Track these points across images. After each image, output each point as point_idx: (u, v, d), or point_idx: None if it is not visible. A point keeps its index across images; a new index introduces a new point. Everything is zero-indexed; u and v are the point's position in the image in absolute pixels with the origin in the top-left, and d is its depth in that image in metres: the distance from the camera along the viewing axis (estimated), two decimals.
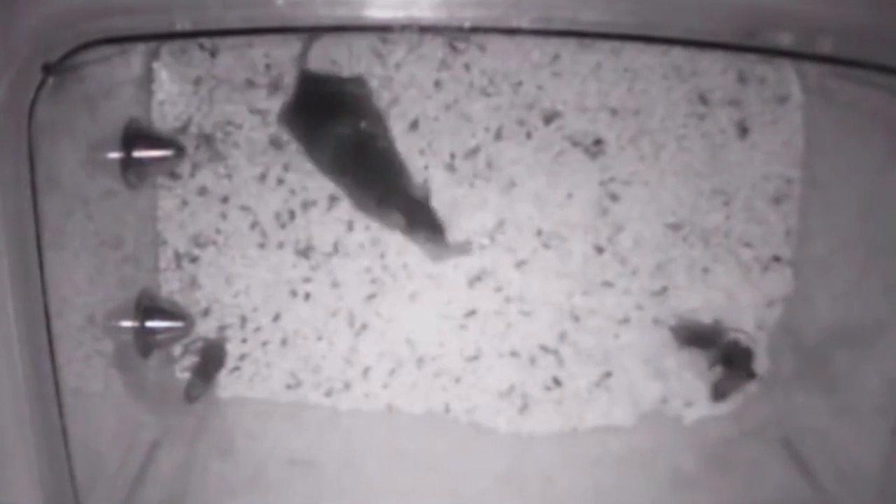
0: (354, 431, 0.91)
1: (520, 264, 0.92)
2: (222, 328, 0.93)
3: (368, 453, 0.88)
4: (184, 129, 0.90)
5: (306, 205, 0.92)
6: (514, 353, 0.93)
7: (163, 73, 0.89)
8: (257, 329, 0.93)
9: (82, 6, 0.62)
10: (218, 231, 0.92)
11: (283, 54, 0.89)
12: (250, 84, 0.90)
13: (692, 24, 0.69)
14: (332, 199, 0.91)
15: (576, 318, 0.92)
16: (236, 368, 0.93)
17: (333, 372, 0.93)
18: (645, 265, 0.92)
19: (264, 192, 0.91)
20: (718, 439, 0.90)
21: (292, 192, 0.91)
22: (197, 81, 0.90)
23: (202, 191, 0.91)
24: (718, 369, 0.90)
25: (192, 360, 0.92)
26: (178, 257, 0.92)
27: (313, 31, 0.86)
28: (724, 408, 0.91)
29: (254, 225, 0.92)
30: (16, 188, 0.61)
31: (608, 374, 0.92)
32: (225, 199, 0.92)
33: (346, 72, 0.89)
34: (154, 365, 0.89)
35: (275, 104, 0.90)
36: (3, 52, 0.60)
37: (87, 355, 0.74)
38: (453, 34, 0.88)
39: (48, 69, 0.62)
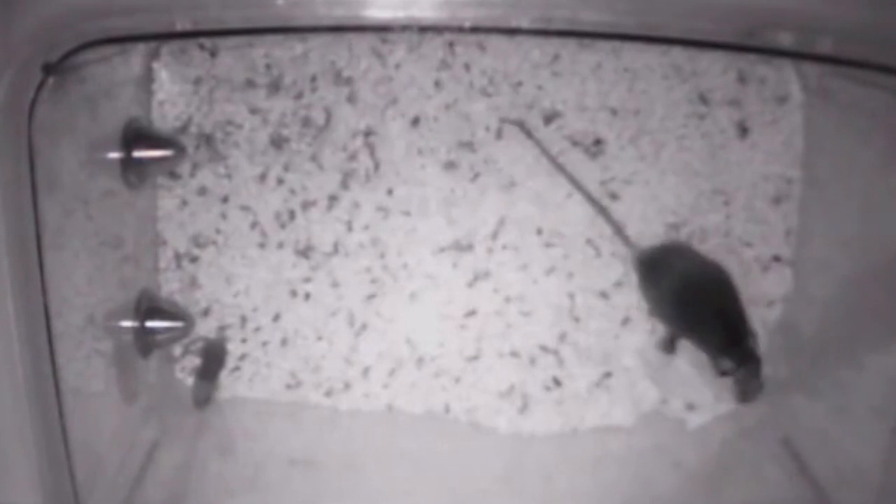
0: (354, 431, 0.91)
1: (520, 264, 0.92)
2: (222, 328, 0.93)
3: (368, 453, 0.88)
4: (184, 129, 0.90)
5: (306, 205, 0.92)
6: (514, 354, 0.93)
7: (163, 73, 0.89)
8: (257, 329, 0.93)
9: (82, 6, 0.61)
10: (218, 231, 0.92)
11: (283, 54, 0.89)
12: (250, 84, 0.90)
13: (692, 24, 0.69)
14: (332, 199, 0.91)
15: (576, 319, 0.92)
16: (236, 368, 0.93)
17: (333, 372, 0.93)
18: None
19: (264, 192, 0.91)
20: (718, 439, 0.90)
21: (292, 192, 0.91)
22: (197, 81, 0.90)
23: (202, 191, 0.91)
24: (741, 371, 0.85)
25: (192, 360, 0.92)
26: (178, 257, 0.92)
27: (313, 31, 0.86)
28: (724, 408, 0.91)
29: (254, 225, 0.92)
30: (16, 188, 0.61)
31: (608, 375, 0.92)
32: (225, 199, 0.92)
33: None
34: (154, 365, 0.89)
35: (275, 104, 0.90)
36: (3, 52, 0.60)
37: (87, 355, 0.74)
38: (453, 34, 0.88)
39: (48, 69, 0.62)
